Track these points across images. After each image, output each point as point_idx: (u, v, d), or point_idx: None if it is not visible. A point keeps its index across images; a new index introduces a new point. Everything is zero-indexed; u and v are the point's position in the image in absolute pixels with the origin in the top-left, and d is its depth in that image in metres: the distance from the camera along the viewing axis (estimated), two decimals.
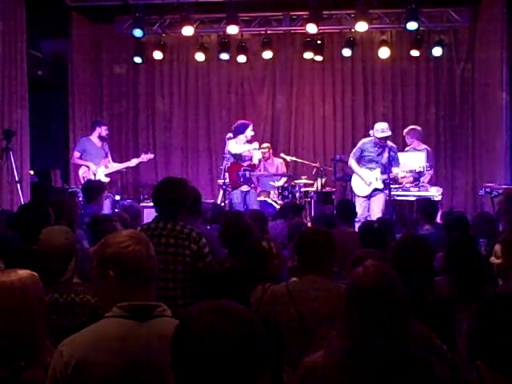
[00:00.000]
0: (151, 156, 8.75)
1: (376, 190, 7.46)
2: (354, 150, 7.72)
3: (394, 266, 2.38)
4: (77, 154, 8.29)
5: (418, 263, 2.80)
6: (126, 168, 8.83)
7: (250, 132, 8.07)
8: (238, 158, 8.08)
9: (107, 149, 8.45)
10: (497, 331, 1.42)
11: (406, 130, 8.53)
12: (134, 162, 8.61)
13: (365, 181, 7.49)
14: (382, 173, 7.38)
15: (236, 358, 1.19)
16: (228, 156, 7.98)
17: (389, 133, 7.36)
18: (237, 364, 1.19)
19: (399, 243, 3.10)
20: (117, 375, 1.83)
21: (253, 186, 8.19)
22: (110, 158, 8.45)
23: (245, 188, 8.10)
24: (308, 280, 2.98)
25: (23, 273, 2.01)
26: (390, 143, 7.52)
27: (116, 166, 8.46)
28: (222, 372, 1.18)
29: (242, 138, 8.03)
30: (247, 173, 8.03)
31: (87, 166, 8.14)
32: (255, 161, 8.22)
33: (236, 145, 8.01)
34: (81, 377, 1.82)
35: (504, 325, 1.42)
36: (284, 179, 9.14)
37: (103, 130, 8.36)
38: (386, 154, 7.37)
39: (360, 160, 7.59)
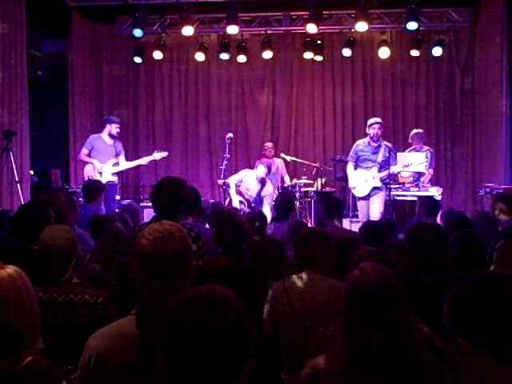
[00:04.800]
0: (165, 154, 8.29)
1: (375, 188, 7.41)
2: (351, 153, 7.74)
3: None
4: (85, 150, 7.97)
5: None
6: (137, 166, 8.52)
7: (259, 171, 8.15)
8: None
9: (120, 147, 8.09)
10: (477, 306, 1.43)
11: (411, 135, 8.52)
12: (145, 161, 8.23)
13: (360, 180, 7.48)
14: (380, 171, 7.37)
15: (224, 349, 1.27)
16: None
17: (374, 127, 7.39)
18: (225, 355, 1.27)
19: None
20: (130, 373, 1.85)
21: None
22: (123, 156, 8.11)
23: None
24: (305, 279, 2.99)
25: (9, 269, 1.98)
26: (385, 142, 7.54)
27: (127, 164, 8.15)
28: (211, 363, 1.26)
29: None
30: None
31: (92, 164, 7.84)
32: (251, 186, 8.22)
33: (234, 176, 8.33)
34: (100, 370, 1.88)
35: (484, 300, 1.43)
36: (288, 179, 9.13)
37: (113, 129, 7.99)
38: (381, 153, 7.40)
39: (357, 162, 7.58)
